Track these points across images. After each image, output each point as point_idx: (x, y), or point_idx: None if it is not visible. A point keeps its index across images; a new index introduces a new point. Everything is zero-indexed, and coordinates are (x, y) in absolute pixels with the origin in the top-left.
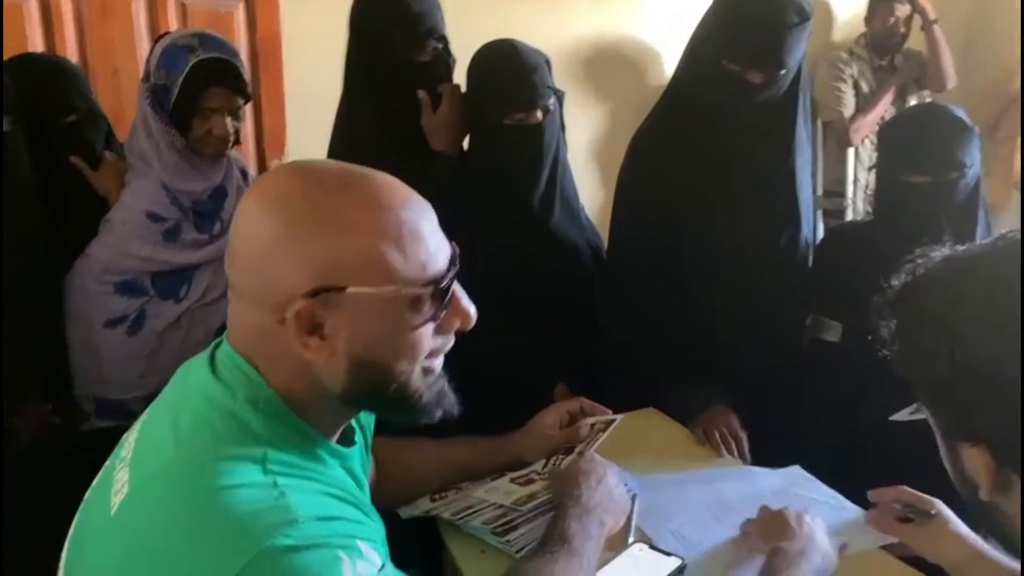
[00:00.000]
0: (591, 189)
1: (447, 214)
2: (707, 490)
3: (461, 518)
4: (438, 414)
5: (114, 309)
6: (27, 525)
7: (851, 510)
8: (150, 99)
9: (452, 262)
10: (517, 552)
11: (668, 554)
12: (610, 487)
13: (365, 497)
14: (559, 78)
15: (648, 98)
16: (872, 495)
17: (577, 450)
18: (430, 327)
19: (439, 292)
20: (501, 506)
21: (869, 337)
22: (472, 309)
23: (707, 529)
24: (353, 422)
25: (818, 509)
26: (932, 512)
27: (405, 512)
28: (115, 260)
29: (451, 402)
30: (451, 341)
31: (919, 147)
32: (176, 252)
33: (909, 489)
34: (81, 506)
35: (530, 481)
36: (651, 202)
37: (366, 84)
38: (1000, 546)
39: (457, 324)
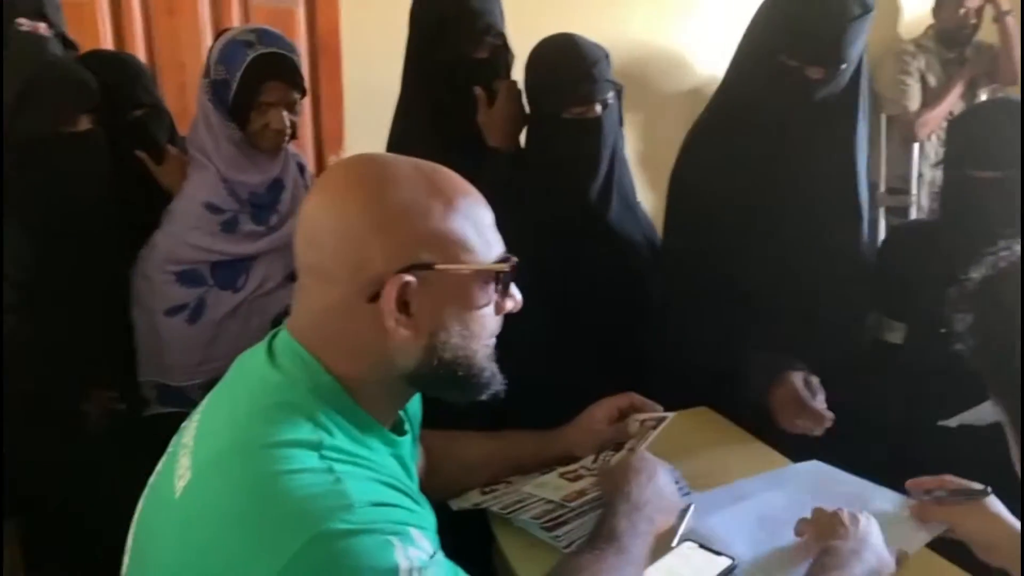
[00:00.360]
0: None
1: (502, 210)
2: (751, 506)
3: (510, 512)
4: (490, 393)
5: (175, 298)
6: (94, 507)
7: (886, 497)
8: (210, 94)
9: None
10: (566, 547)
11: (718, 553)
12: (660, 485)
13: (415, 486)
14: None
15: (693, 102)
16: (911, 483)
17: (627, 447)
18: (492, 307)
19: (506, 273)
20: (550, 501)
21: (942, 330)
22: (519, 294)
23: (761, 546)
24: (401, 413)
25: (854, 503)
26: (987, 489)
27: (455, 504)
28: (176, 250)
29: (500, 382)
30: (500, 326)
31: (988, 141)
32: (234, 243)
33: (953, 477)
34: (146, 490)
35: (579, 477)
36: (709, 203)
37: (424, 80)
38: None
39: (509, 307)
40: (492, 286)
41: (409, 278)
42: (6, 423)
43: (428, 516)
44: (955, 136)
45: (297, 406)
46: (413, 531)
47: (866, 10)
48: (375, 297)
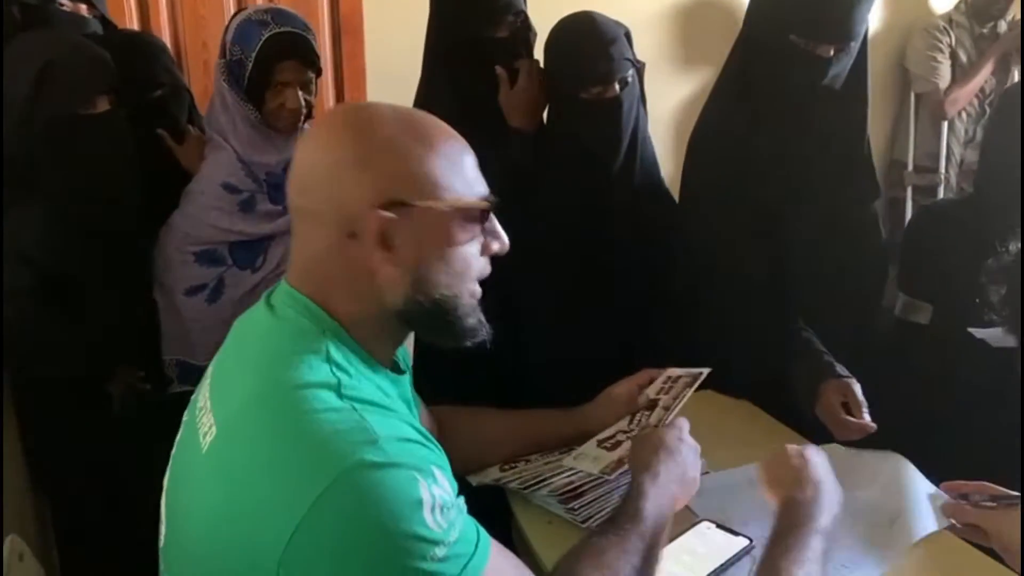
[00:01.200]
0: (674, 159)
1: (525, 191)
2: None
3: (529, 488)
4: (477, 339)
5: (194, 277)
6: (123, 478)
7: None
8: (225, 74)
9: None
10: (582, 523)
11: (736, 533)
12: (686, 466)
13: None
14: (644, 49)
15: None
16: (948, 486)
17: (661, 404)
18: (476, 247)
19: (484, 211)
20: (576, 472)
21: (977, 300)
22: (505, 237)
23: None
24: (396, 357)
25: (872, 488)
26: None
27: (475, 480)
28: (194, 230)
29: (487, 331)
30: (488, 268)
31: None
32: (251, 223)
33: (993, 485)
34: (172, 456)
35: (618, 444)
36: (724, 191)
37: (445, 60)
38: None
39: (495, 248)
40: (474, 225)
41: (388, 214)
42: (36, 405)
43: (444, 457)
44: (995, 125)
45: (310, 350)
46: (435, 470)
47: None
48: (357, 234)
